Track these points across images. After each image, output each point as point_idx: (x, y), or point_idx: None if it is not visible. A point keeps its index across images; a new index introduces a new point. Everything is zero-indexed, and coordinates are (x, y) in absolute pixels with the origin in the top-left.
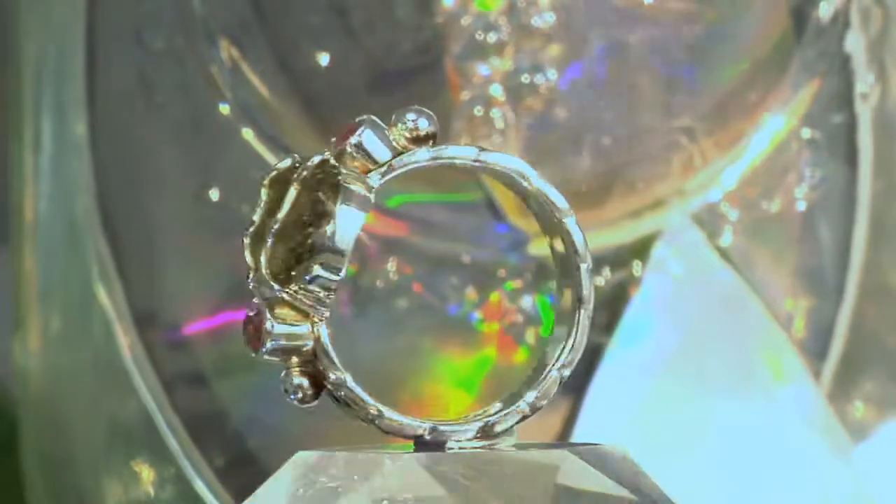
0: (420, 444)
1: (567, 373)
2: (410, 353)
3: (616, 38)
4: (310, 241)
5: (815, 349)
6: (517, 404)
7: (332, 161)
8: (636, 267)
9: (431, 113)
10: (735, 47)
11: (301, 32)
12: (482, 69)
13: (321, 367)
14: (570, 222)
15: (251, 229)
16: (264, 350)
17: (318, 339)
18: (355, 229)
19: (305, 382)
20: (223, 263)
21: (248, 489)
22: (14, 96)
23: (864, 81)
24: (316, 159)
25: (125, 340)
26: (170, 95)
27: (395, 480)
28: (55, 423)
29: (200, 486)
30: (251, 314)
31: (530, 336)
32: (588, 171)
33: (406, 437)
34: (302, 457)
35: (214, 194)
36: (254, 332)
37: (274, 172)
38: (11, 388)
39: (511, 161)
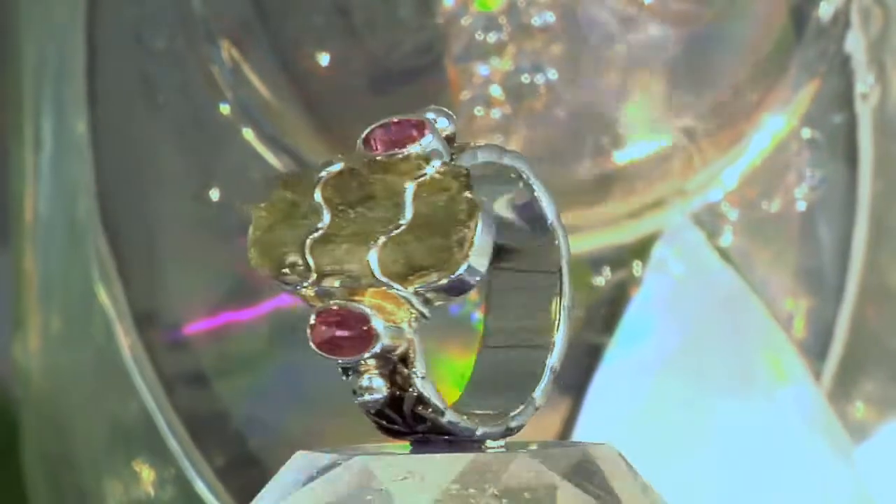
0: (417, 443)
1: (558, 366)
2: None
3: (616, 38)
4: (455, 245)
5: (815, 349)
6: (529, 403)
7: (463, 167)
8: (636, 267)
9: (451, 112)
10: (735, 47)
11: (302, 33)
12: (482, 69)
13: (407, 369)
14: (555, 220)
15: (320, 232)
16: (371, 353)
17: (411, 340)
18: (491, 236)
19: (381, 383)
20: (223, 263)
21: (249, 489)
22: (14, 96)
23: (864, 82)
24: (437, 163)
25: (125, 340)
26: (170, 95)
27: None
28: (56, 424)
29: (201, 487)
30: (328, 320)
31: None
32: (588, 171)
33: (464, 437)
34: (302, 456)
35: (215, 194)
36: (352, 336)
37: (327, 174)
38: (12, 388)
39: (512, 157)
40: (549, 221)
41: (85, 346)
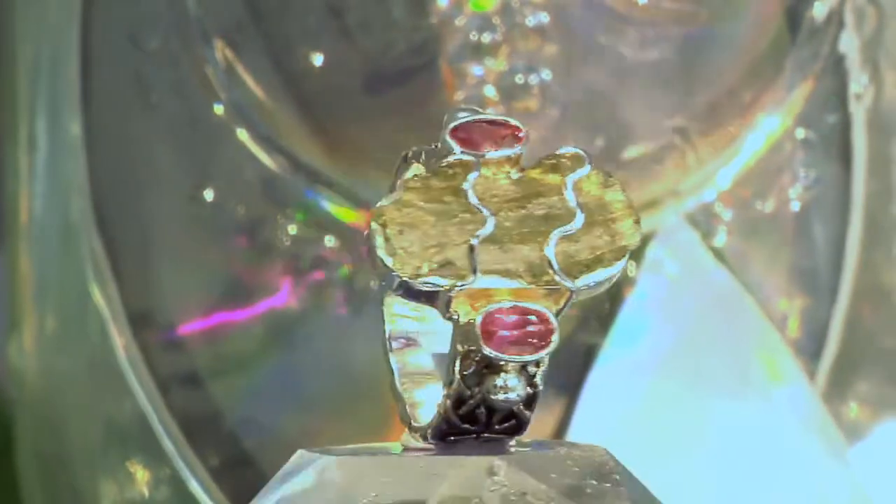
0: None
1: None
2: None
3: (610, 38)
4: (629, 234)
5: (810, 349)
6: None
7: (604, 172)
8: (631, 267)
9: (479, 109)
10: (729, 47)
11: (296, 33)
12: (476, 69)
13: (540, 368)
14: None
15: (490, 231)
16: (550, 349)
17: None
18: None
19: (517, 383)
20: (218, 264)
21: (244, 490)
22: (8, 97)
23: (859, 82)
24: (587, 168)
25: (120, 341)
26: (164, 96)
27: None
28: (50, 424)
29: (195, 487)
30: (506, 319)
31: None
32: None
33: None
34: (300, 456)
35: (209, 195)
36: (537, 334)
37: (476, 177)
38: (6, 388)
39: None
40: None
41: (79, 347)
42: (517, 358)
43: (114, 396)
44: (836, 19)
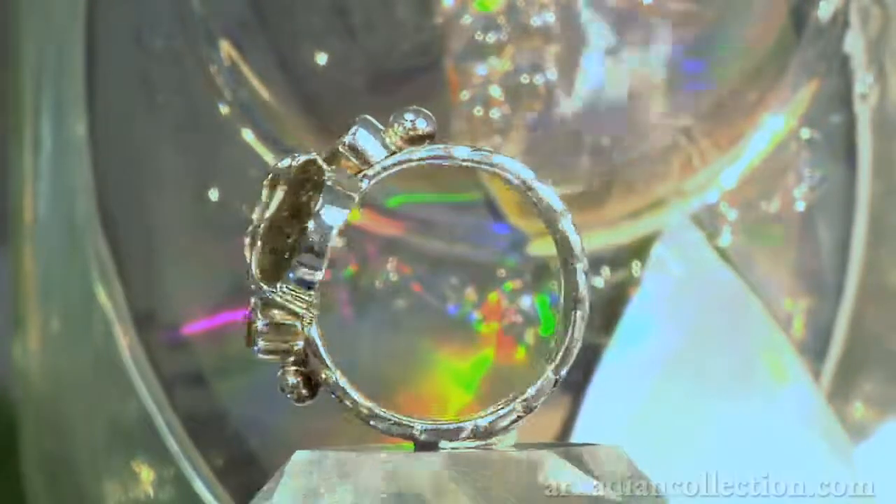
0: (417, 444)
1: (563, 372)
2: (410, 353)
3: (615, 38)
4: (290, 240)
5: (815, 349)
6: (511, 405)
7: (319, 161)
8: (635, 267)
9: (430, 113)
10: (734, 47)
11: (300, 32)
12: (481, 69)
13: (314, 367)
14: (565, 223)
15: (250, 229)
16: (256, 349)
17: (308, 339)
18: (334, 228)
19: (299, 381)
20: (223, 263)
21: (248, 489)
22: (14, 96)
23: (863, 82)
24: (301, 159)
25: (125, 341)
26: (169, 96)
27: (381, 480)
28: (55, 424)
29: (200, 487)
30: (250, 313)
31: (530, 336)
32: (587, 172)
33: (399, 436)
34: (300, 456)
35: (214, 194)
36: (246, 332)
37: (272, 173)
38: (11, 388)
39: (507, 161)
40: (556, 214)
41: (84, 347)
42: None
43: (118, 396)
44: (841, 19)
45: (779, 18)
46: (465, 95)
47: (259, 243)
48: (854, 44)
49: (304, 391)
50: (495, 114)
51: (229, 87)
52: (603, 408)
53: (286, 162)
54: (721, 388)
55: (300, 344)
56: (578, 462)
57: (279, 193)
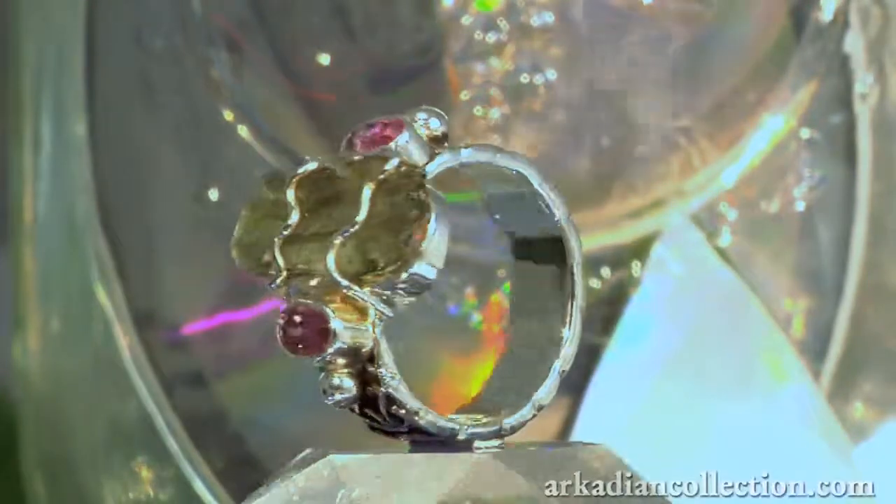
0: (415, 445)
1: (567, 368)
2: (410, 353)
3: (615, 38)
4: (403, 243)
5: (814, 349)
6: (528, 404)
7: (418, 166)
8: (635, 267)
9: (442, 112)
10: (734, 47)
11: (301, 33)
12: (481, 69)
13: (374, 368)
14: (564, 220)
15: (288, 231)
16: (330, 353)
17: (376, 340)
18: (448, 235)
19: (350, 383)
20: (223, 264)
21: (248, 490)
22: (13, 97)
23: (863, 82)
24: (395, 162)
25: (125, 341)
26: (169, 96)
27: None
28: (55, 424)
29: (200, 487)
30: (290, 318)
31: None
32: (587, 172)
33: (442, 437)
34: (306, 455)
35: (214, 194)
36: (309, 335)
37: (299, 174)
38: (11, 388)
39: (516, 161)
40: (556, 219)
41: (84, 347)
42: (301, 357)
43: (118, 396)
44: (841, 19)
45: (779, 18)
46: (465, 95)
47: (339, 242)
48: (854, 44)
49: (352, 394)
50: (495, 114)
51: (229, 87)
52: (603, 408)
53: (313, 164)
54: (721, 388)
55: (369, 345)
56: (578, 462)
57: (367, 195)
